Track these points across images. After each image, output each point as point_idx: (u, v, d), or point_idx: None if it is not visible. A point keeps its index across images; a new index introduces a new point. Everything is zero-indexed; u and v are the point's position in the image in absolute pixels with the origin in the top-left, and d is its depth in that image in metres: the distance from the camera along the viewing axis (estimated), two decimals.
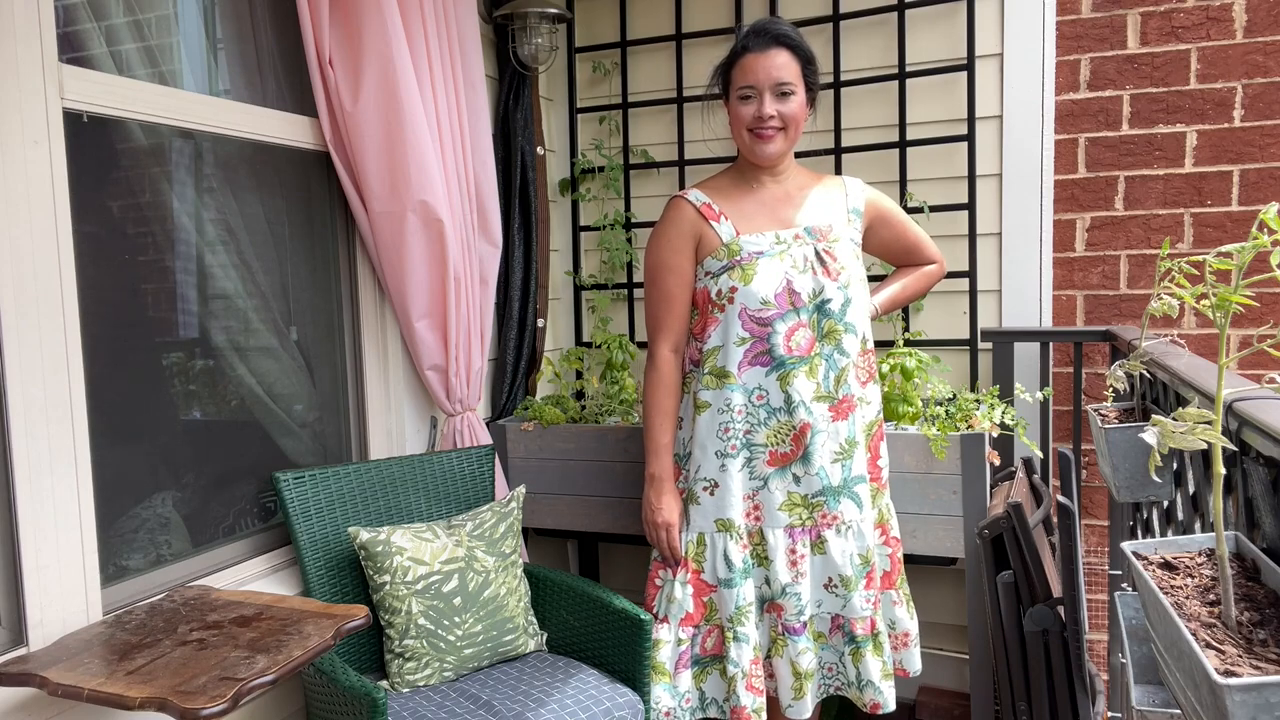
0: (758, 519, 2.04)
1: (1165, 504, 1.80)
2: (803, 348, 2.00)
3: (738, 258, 2.02)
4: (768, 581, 2.05)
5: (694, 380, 2.10)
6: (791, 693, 2.02)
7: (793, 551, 2.02)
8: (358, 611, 1.58)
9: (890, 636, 2.16)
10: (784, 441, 2.01)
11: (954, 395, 2.53)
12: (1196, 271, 1.13)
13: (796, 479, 2.02)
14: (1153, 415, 1.09)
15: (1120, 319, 2.89)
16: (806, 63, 2.03)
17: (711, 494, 2.04)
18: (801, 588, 2.02)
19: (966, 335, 2.76)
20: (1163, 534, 1.85)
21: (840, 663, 2.08)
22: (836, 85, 2.82)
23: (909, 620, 2.18)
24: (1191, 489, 1.54)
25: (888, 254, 2.31)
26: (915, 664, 2.19)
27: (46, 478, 1.59)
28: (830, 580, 2.04)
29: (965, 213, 2.72)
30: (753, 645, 2.03)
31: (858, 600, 2.02)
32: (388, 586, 1.97)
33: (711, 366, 2.04)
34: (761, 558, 2.05)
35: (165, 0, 1.95)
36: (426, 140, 2.22)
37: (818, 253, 2.03)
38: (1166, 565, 1.03)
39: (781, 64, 1.99)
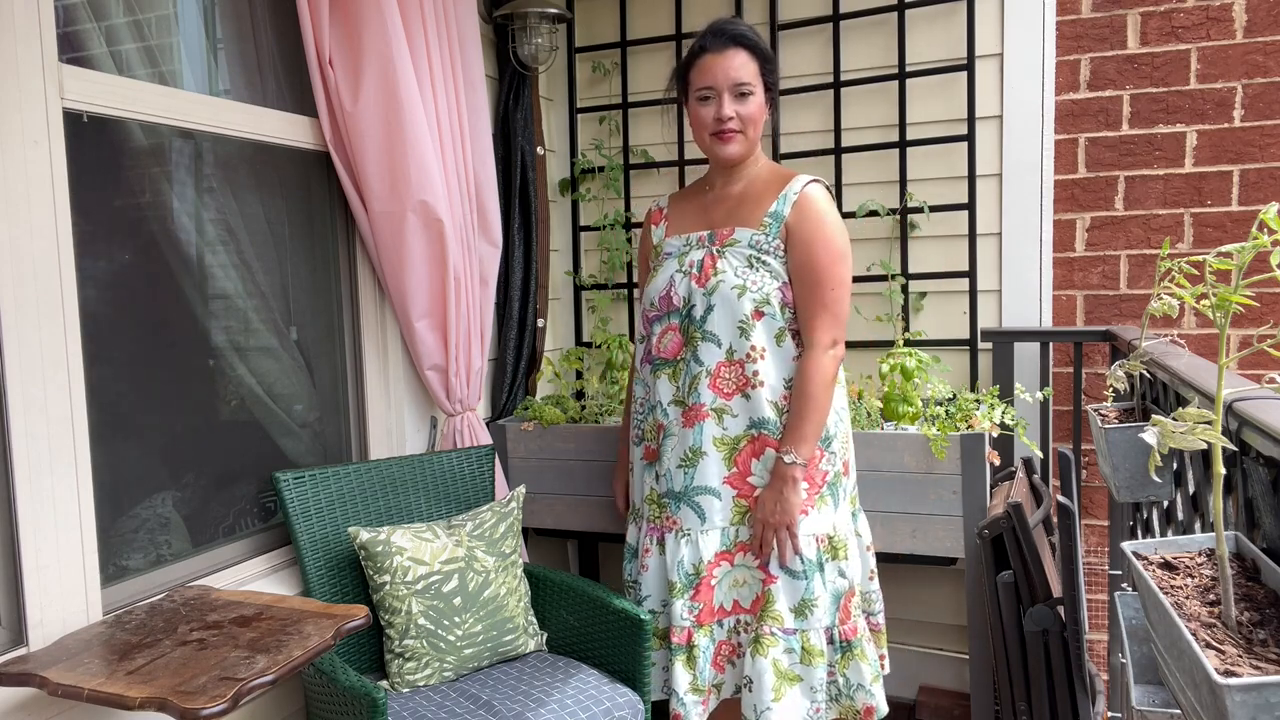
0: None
1: (1165, 504, 1.80)
2: (669, 350, 2.07)
3: (659, 259, 2.15)
4: None
5: None
6: None
7: (643, 544, 2.13)
8: (358, 611, 1.58)
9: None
10: (655, 438, 2.12)
11: (954, 395, 2.53)
12: (1196, 271, 1.13)
13: (657, 476, 2.11)
14: (1153, 415, 1.09)
15: (1120, 319, 2.89)
16: (764, 62, 2.01)
17: (633, 474, 2.23)
18: (643, 579, 2.11)
19: (966, 335, 2.76)
20: (1163, 534, 1.85)
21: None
22: (836, 85, 2.82)
23: (762, 668, 1.94)
24: (1191, 489, 1.54)
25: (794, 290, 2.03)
26: (772, 714, 1.92)
27: (46, 478, 1.59)
28: (668, 583, 2.08)
29: (965, 213, 2.72)
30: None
31: (678, 607, 2.02)
32: (388, 586, 1.97)
33: (637, 360, 2.21)
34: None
35: (165, 0, 1.95)
36: (426, 140, 2.22)
37: (704, 257, 2.03)
38: (1166, 565, 1.03)
39: (739, 64, 1.97)
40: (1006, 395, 2.65)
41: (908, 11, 2.74)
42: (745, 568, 2.03)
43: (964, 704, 2.80)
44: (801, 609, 1.97)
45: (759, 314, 1.97)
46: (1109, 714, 2.30)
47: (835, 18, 2.81)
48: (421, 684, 1.98)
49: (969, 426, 2.31)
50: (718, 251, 2.02)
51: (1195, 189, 2.78)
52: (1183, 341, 1.83)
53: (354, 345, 2.41)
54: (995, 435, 2.33)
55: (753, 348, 1.97)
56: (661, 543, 2.08)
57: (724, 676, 2.06)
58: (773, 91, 2.05)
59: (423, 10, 2.24)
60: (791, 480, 1.95)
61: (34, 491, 1.57)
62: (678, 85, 2.12)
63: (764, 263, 1.99)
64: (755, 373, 1.98)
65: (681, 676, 2.02)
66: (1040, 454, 2.63)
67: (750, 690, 1.96)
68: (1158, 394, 1.79)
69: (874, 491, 2.34)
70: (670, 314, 2.05)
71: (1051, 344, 2.81)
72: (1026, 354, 2.75)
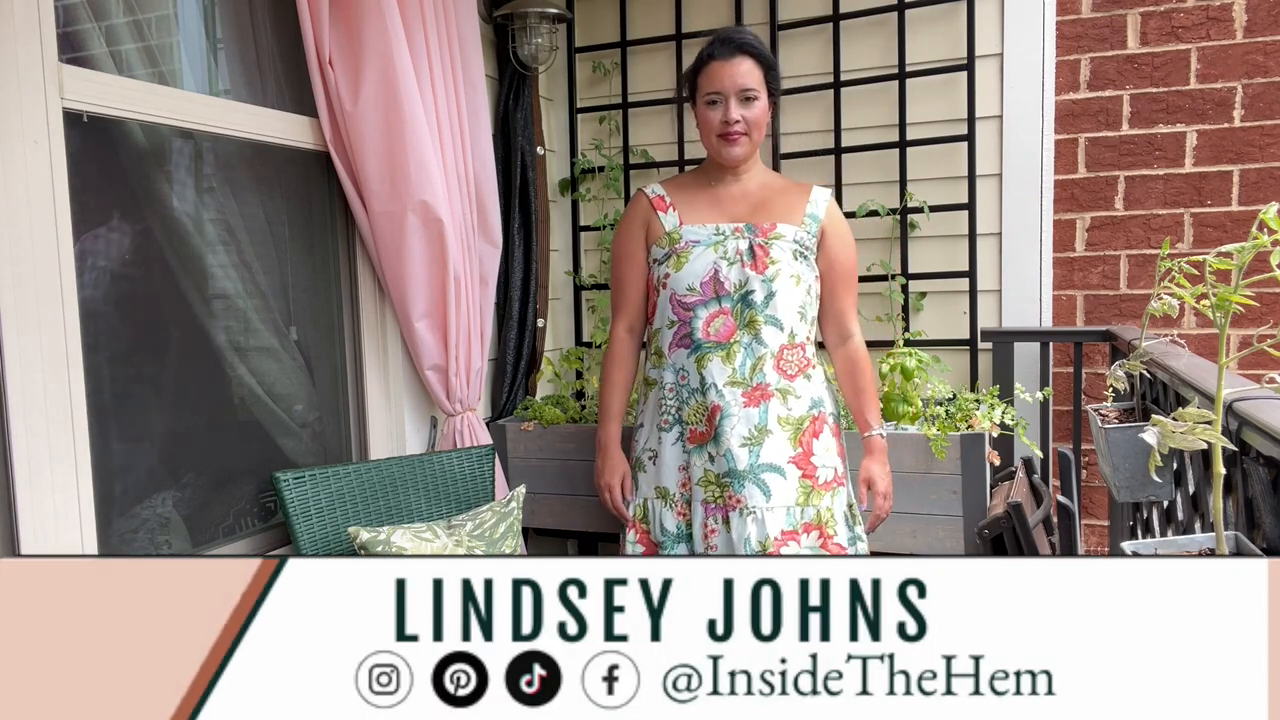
0: (689, 490, 2.15)
1: (1165, 504, 1.80)
2: (721, 334, 2.09)
3: (676, 246, 2.15)
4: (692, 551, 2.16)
5: (645, 359, 2.27)
6: None
7: (706, 525, 2.12)
8: None
9: None
10: (700, 421, 2.12)
11: (954, 395, 2.53)
12: (1196, 271, 1.13)
13: (711, 458, 2.11)
14: (1153, 415, 1.09)
15: (1120, 319, 2.89)
16: (768, 69, 2.12)
17: (653, 462, 2.19)
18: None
19: (966, 335, 2.76)
20: (1163, 534, 1.86)
21: None
22: (836, 85, 2.82)
23: None
24: (1191, 489, 1.54)
25: (822, 283, 2.20)
26: None
27: (46, 477, 1.59)
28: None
29: (965, 213, 2.72)
30: None
31: None
32: None
33: (655, 347, 2.20)
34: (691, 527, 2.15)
35: (165, 0, 1.95)
36: (426, 140, 2.22)
37: (751, 246, 2.10)
38: None
39: (745, 71, 2.08)
40: (1006, 395, 2.65)
41: (908, 11, 2.74)
42: (810, 548, 2.09)
43: None
44: None
45: (809, 302, 2.15)
46: None
47: (835, 18, 2.81)
48: None
49: (969, 426, 2.31)
50: (764, 243, 2.10)
51: (1195, 189, 2.78)
52: (1183, 341, 1.83)
53: (354, 345, 2.41)
54: (995, 435, 2.33)
55: (810, 332, 2.16)
56: (726, 520, 2.10)
57: None
58: (775, 97, 2.16)
59: (423, 10, 2.25)
60: (885, 451, 2.18)
61: (34, 491, 1.57)
62: (688, 89, 2.19)
63: (805, 257, 2.14)
64: (813, 355, 2.16)
65: None
66: (1040, 454, 2.62)
67: None
68: (1158, 394, 1.79)
69: None
70: (720, 299, 2.09)
71: (1051, 344, 2.81)
72: (1026, 354, 2.74)
